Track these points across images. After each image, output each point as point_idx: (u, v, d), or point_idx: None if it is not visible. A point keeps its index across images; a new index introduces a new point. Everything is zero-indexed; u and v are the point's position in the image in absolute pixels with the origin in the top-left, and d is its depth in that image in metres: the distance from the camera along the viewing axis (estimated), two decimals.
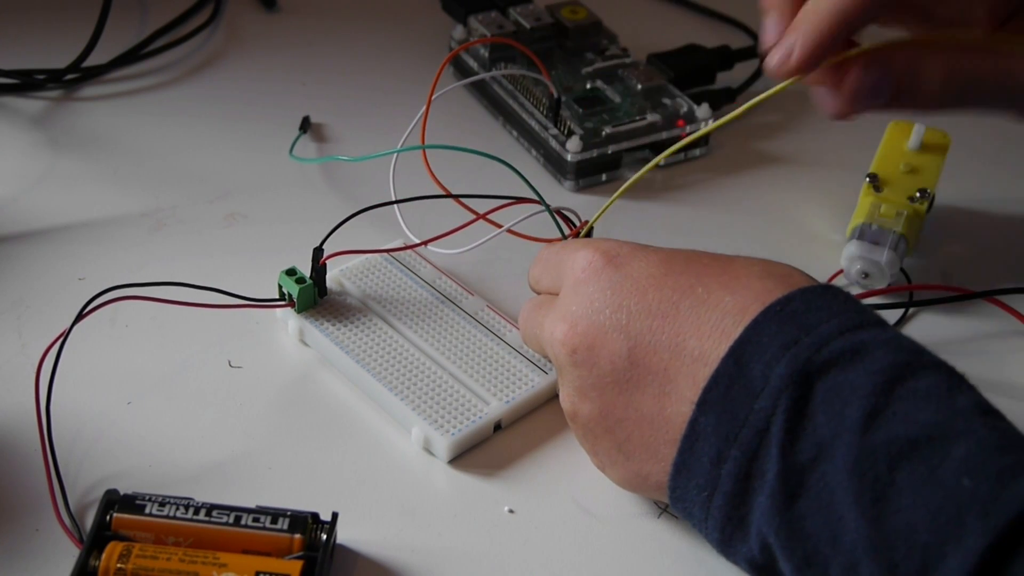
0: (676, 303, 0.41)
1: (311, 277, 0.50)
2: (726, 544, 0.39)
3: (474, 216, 0.51)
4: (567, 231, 0.50)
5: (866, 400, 0.36)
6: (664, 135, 0.63)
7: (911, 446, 0.34)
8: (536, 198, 0.49)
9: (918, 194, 0.56)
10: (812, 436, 0.36)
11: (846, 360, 0.37)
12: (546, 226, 0.50)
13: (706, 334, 0.39)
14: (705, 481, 0.39)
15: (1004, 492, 0.33)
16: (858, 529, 0.34)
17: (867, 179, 0.57)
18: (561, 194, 0.61)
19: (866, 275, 0.56)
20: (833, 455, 0.35)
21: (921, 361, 0.37)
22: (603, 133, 0.61)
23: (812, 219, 0.61)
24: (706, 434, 0.38)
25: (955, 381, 0.37)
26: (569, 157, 0.60)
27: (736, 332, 0.39)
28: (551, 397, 0.49)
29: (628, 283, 0.42)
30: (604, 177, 0.63)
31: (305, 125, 0.63)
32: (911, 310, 0.55)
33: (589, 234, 0.50)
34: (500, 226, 0.50)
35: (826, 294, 0.39)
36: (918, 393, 0.36)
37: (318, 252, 0.50)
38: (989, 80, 0.44)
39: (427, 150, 0.52)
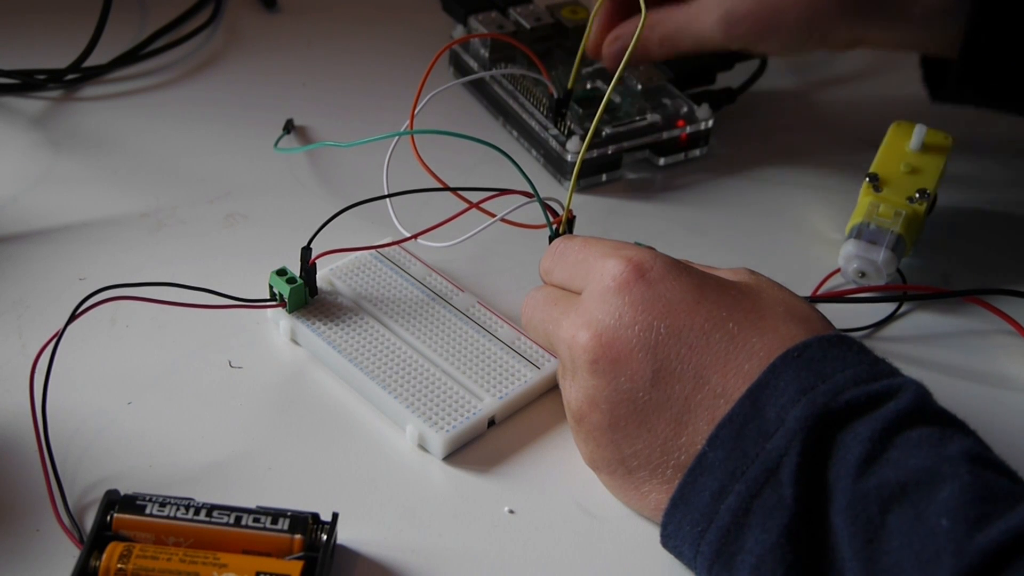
0: (708, 335, 0.41)
1: (300, 277, 0.50)
2: None
3: (465, 206, 0.51)
4: (554, 223, 0.50)
5: (863, 446, 0.37)
6: (664, 135, 0.63)
7: (900, 490, 0.36)
8: (525, 189, 0.49)
9: (917, 195, 0.56)
10: (822, 479, 0.37)
11: (859, 410, 0.38)
12: (540, 218, 0.50)
13: (731, 372, 0.40)
14: (701, 516, 0.39)
15: (978, 535, 0.34)
16: (854, 570, 0.35)
17: (867, 179, 0.57)
18: (561, 194, 0.61)
19: (863, 274, 0.56)
20: (835, 499, 0.37)
21: (924, 411, 0.38)
22: (603, 133, 0.61)
23: (812, 218, 0.61)
24: (712, 469, 0.39)
25: (951, 430, 0.38)
26: (569, 157, 0.60)
27: (756, 374, 0.40)
28: (544, 392, 0.49)
29: (660, 303, 0.42)
30: (604, 177, 0.63)
31: (289, 126, 0.63)
32: (902, 308, 0.56)
33: (570, 224, 0.50)
34: (493, 215, 0.50)
35: (841, 344, 0.40)
36: (911, 441, 0.37)
37: (306, 252, 0.50)
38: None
39: (421, 147, 0.52)
